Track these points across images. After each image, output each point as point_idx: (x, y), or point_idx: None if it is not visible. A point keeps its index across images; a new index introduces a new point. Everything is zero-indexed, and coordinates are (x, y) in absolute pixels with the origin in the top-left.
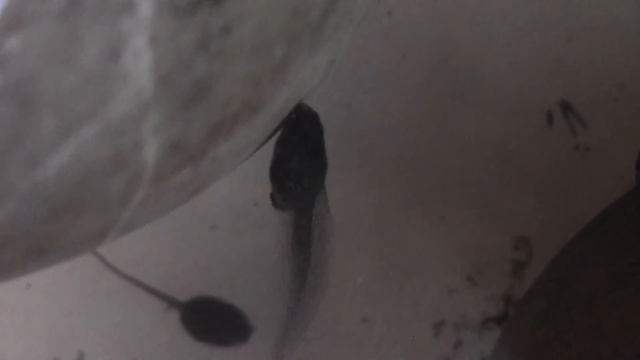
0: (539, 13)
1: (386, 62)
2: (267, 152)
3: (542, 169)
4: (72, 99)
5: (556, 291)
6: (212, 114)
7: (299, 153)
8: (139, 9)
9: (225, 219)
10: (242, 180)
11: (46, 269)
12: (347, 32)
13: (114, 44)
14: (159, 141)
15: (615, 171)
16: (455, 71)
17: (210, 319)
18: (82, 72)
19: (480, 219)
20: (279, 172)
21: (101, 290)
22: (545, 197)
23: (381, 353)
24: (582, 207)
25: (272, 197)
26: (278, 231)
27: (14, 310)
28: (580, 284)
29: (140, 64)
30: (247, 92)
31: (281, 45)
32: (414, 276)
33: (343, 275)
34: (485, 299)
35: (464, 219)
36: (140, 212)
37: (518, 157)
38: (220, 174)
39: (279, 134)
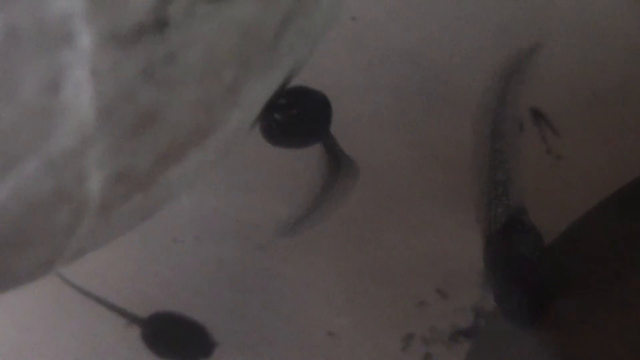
0: (509, 17)
1: (352, 70)
2: (229, 164)
3: (513, 178)
4: (11, 134)
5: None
6: (160, 142)
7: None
8: (78, 40)
9: (187, 232)
10: (203, 191)
11: None
12: (305, 47)
13: (54, 77)
14: (104, 172)
15: (589, 179)
16: (424, 78)
17: (171, 334)
18: (21, 106)
19: (450, 230)
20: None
21: (60, 306)
22: None
23: None
24: (555, 216)
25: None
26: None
27: None
28: (552, 302)
29: (81, 96)
30: (196, 117)
31: (231, 69)
32: (383, 288)
33: (309, 288)
34: (454, 311)
35: (434, 229)
36: (89, 239)
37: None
38: (174, 196)
39: None
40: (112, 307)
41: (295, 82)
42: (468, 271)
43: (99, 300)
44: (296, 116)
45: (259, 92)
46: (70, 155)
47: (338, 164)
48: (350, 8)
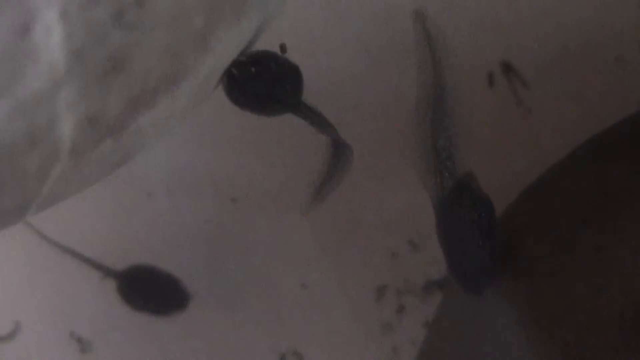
0: None
1: (321, 24)
2: (203, 119)
3: (484, 131)
4: None
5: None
6: (130, 87)
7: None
8: None
9: (161, 186)
10: (178, 145)
11: None
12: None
13: (23, 20)
14: (75, 116)
15: (558, 132)
16: (394, 33)
17: (147, 287)
18: None
19: (420, 182)
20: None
21: (35, 260)
22: (487, 158)
23: (322, 319)
24: (525, 168)
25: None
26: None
27: None
28: (521, 247)
29: (51, 39)
30: (166, 63)
31: (201, 15)
32: (355, 240)
33: (282, 241)
34: (427, 263)
35: (405, 182)
36: (61, 185)
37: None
38: (147, 144)
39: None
40: (88, 261)
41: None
42: None
43: (74, 254)
44: (256, 76)
45: (230, 41)
46: (41, 98)
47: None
48: None
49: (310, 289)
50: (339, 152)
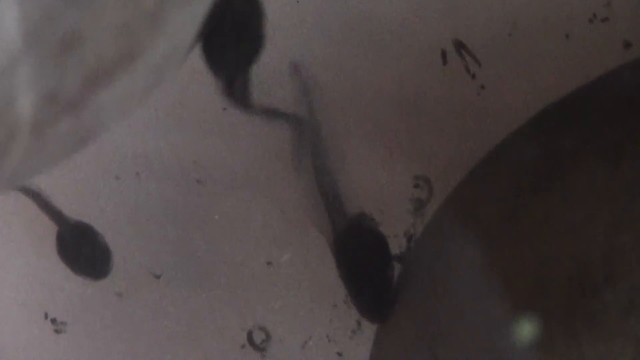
0: None
1: (277, 4)
2: (167, 103)
3: (439, 108)
4: None
5: (451, 228)
6: (86, 64)
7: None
8: None
9: (128, 169)
10: (144, 129)
11: None
12: None
13: None
14: (34, 93)
15: (510, 107)
16: (348, 13)
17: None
18: None
19: (379, 158)
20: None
21: (8, 242)
22: (443, 135)
23: (287, 295)
24: (480, 144)
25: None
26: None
27: None
28: (474, 220)
29: (6, 17)
30: (120, 41)
31: None
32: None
33: (248, 220)
34: (387, 238)
35: (363, 158)
36: (24, 163)
37: (414, 97)
38: (109, 122)
39: None
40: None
41: None
42: (399, 199)
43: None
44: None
45: (184, 21)
46: None
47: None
48: None
49: (275, 266)
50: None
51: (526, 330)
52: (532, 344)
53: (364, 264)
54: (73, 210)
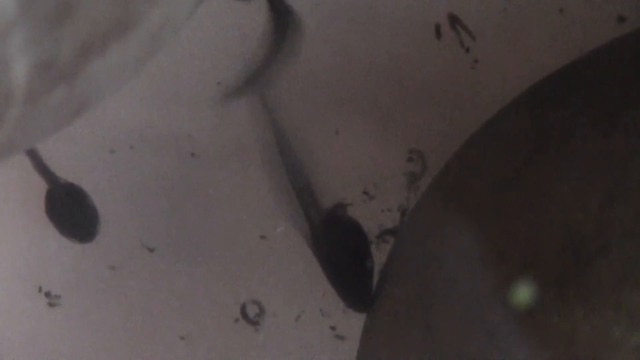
0: None
1: None
2: (160, 79)
3: (433, 82)
4: None
5: (444, 201)
6: (80, 32)
7: None
8: None
9: (123, 143)
10: (139, 102)
11: None
12: None
13: None
14: (28, 60)
15: (504, 81)
16: None
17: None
18: None
19: (373, 133)
20: None
21: (2, 215)
22: (437, 109)
23: (281, 269)
24: (474, 117)
25: None
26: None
27: None
28: (467, 192)
29: None
30: (114, 10)
31: None
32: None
33: (242, 194)
34: (381, 212)
35: (357, 133)
36: (19, 132)
37: (408, 71)
38: (103, 93)
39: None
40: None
41: None
42: (393, 173)
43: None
44: None
45: None
46: None
47: (282, 22)
48: None
49: (269, 240)
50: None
51: (519, 300)
52: (525, 314)
53: (343, 257)
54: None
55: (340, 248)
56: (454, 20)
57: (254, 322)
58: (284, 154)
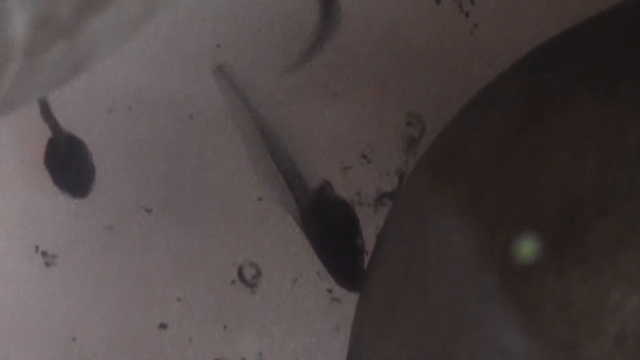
0: None
1: None
2: (159, 41)
3: (432, 47)
4: None
5: (441, 164)
6: None
7: None
8: None
9: (121, 103)
10: (137, 63)
11: None
12: None
13: None
14: (27, 14)
15: (503, 46)
16: None
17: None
18: None
19: (372, 97)
20: None
21: None
22: (436, 74)
23: (278, 231)
24: (472, 81)
25: None
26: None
27: None
28: (465, 156)
29: None
30: None
31: None
32: (309, 154)
33: (238, 155)
34: (379, 176)
35: (356, 97)
36: (17, 89)
37: (408, 36)
38: (101, 51)
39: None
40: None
41: None
42: (391, 137)
43: None
44: None
45: None
46: None
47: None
48: None
49: (266, 202)
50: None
51: (516, 263)
52: (521, 278)
53: (333, 236)
54: None
55: (329, 228)
56: None
57: (250, 284)
58: (267, 139)
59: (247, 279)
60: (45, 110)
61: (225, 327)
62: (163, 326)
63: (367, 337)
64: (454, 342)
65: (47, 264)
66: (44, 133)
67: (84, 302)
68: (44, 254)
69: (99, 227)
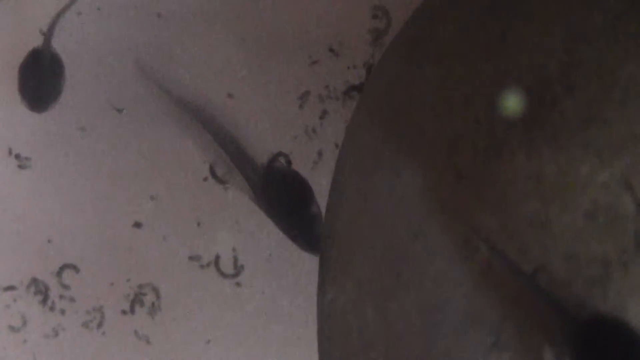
0: None
1: None
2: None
3: None
4: None
5: (408, 51)
6: None
7: None
8: None
9: (90, 4)
10: None
11: None
12: None
13: None
14: None
15: None
16: None
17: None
18: None
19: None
20: None
21: None
22: None
23: (248, 127)
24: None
25: None
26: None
27: None
28: (432, 42)
29: None
30: None
31: None
32: (277, 50)
33: (208, 54)
34: (347, 69)
35: None
36: None
37: None
38: None
39: None
40: None
41: None
42: (358, 30)
43: None
44: None
45: None
46: None
47: None
48: None
49: (236, 98)
50: None
51: (486, 142)
52: (492, 156)
53: (288, 206)
54: (32, 43)
55: (284, 199)
56: None
57: (222, 181)
58: (209, 127)
59: (219, 175)
60: (52, 23)
61: (199, 224)
62: (137, 225)
63: (344, 220)
64: (424, 225)
65: (21, 167)
66: (31, 41)
67: (59, 204)
68: (17, 156)
69: (71, 128)
